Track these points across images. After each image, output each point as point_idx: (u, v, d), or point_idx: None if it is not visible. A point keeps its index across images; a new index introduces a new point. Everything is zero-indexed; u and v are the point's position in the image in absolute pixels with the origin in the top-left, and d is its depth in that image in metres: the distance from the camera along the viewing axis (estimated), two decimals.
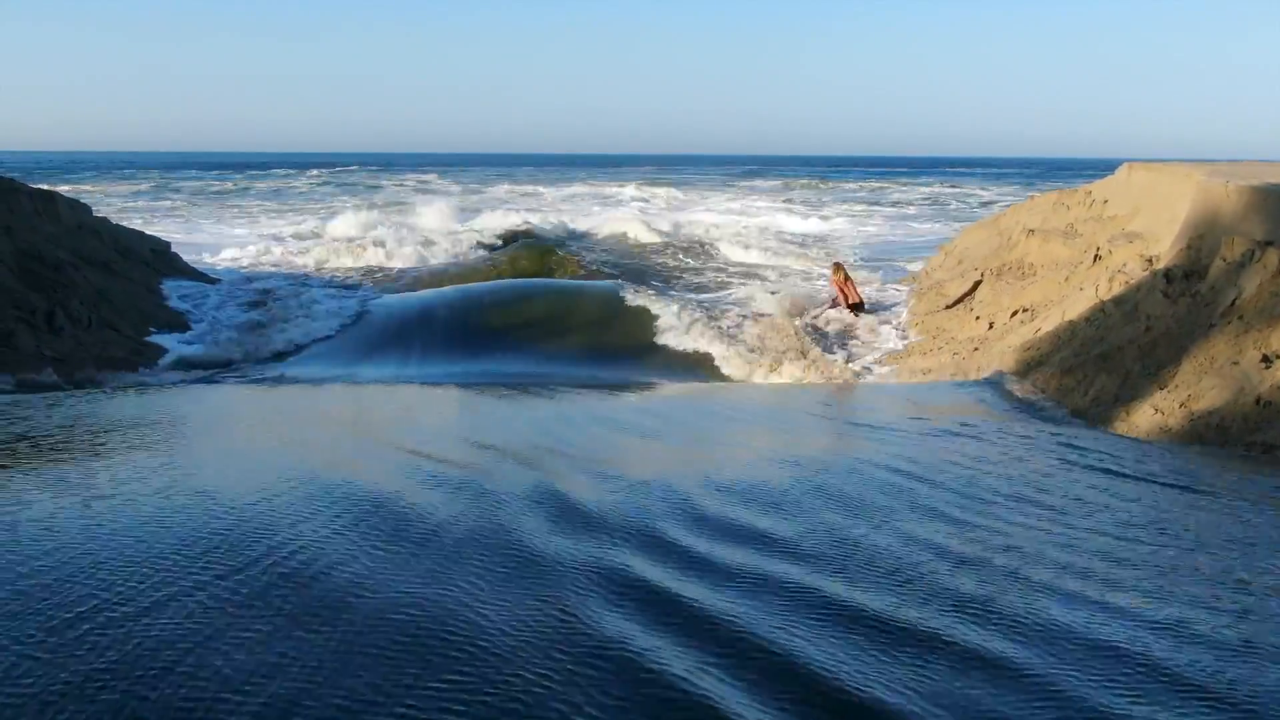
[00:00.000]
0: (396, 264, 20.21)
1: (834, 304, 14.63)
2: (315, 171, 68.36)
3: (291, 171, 70.50)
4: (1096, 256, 11.33)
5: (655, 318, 13.38)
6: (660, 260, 21.43)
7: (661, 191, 46.43)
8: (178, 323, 13.91)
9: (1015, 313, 11.21)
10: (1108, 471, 5.09)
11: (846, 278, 14.73)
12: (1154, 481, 4.97)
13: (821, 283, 16.85)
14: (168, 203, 37.99)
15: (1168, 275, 8.67)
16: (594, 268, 19.19)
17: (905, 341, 12.71)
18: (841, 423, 7.62)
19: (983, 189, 55.95)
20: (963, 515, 3.94)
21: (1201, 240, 9.02)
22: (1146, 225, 11.14)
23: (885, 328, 13.63)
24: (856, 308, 14.47)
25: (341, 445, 5.54)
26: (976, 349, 10.59)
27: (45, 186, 15.66)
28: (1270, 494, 4.86)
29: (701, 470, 4.67)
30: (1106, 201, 13.49)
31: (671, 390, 9.81)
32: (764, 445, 5.95)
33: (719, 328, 12.93)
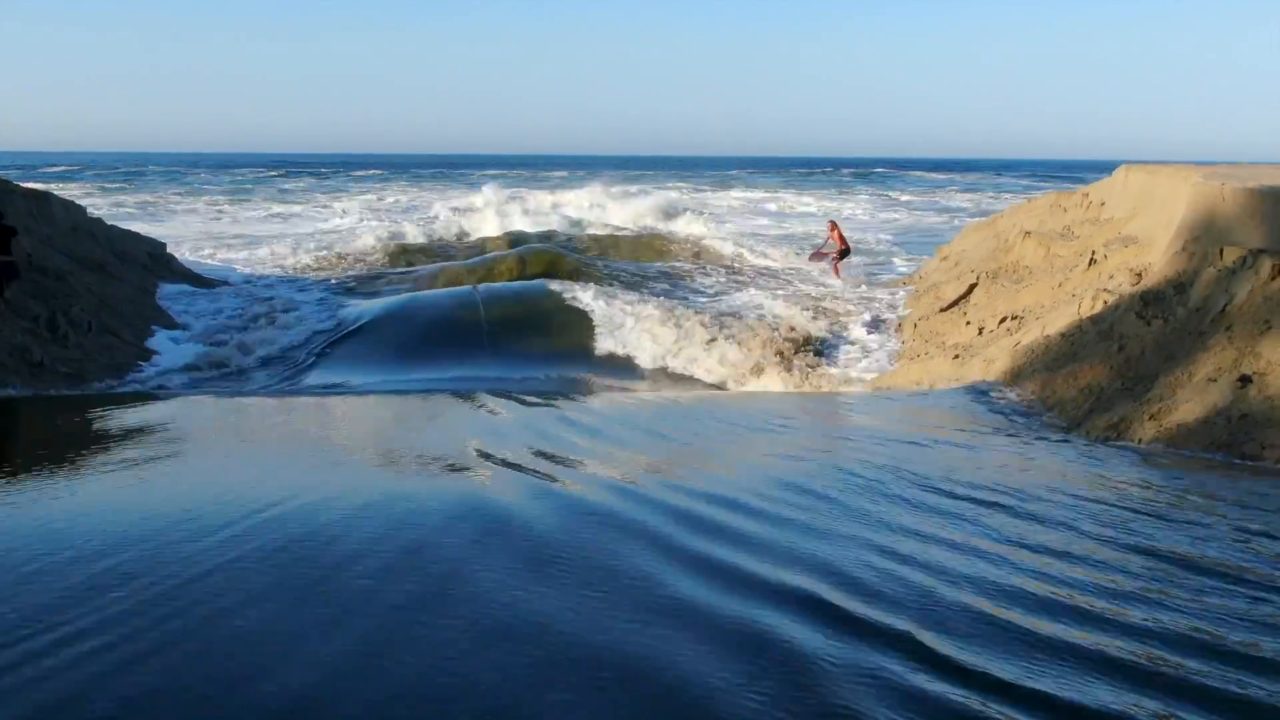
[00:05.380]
0: (399, 266, 20.28)
1: (821, 253, 18.64)
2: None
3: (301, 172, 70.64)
4: (1091, 260, 11.24)
5: (637, 321, 13.35)
6: (662, 263, 21.35)
7: (675, 194, 46.02)
8: (174, 328, 13.91)
9: (1003, 320, 11.14)
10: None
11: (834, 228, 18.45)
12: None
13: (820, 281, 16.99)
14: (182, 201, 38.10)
15: (1144, 298, 8.60)
16: (595, 272, 19.10)
17: (899, 345, 12.65)
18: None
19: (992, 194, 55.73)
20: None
21: (1197, 243, 8.94)
22: (1143, 228, 11.05)
23: (879, 331, 13.56)
24: (844, 254, 17.96)
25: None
26: (957, 356, 10.53)
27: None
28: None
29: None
30: (1103, 204, 13.39)
31: (651, 398, 9.79)
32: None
33: (704, 334, 12.81)
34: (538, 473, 4.94)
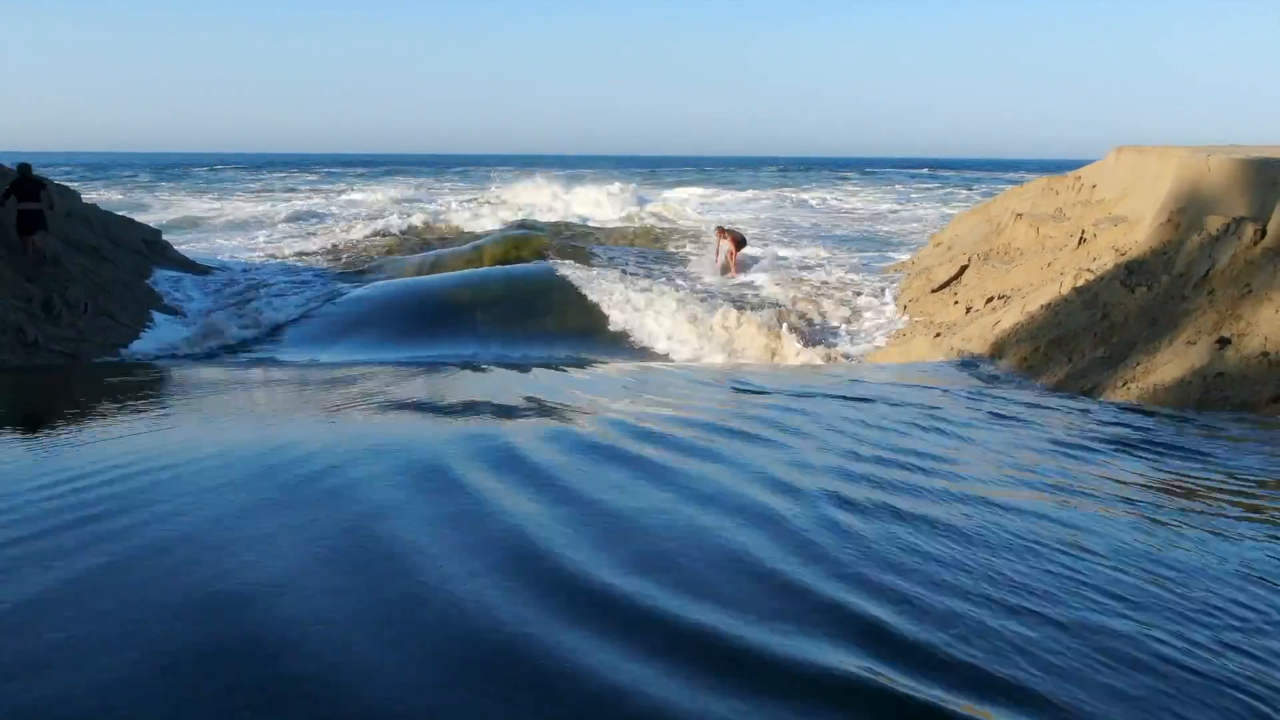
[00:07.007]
0: (394, 255, 20.34)
1: (725, 265, 17.57)
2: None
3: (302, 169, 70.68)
4: (1081, 240, 11.27)
5: (614, 300, 13.44)
6: (657, 248, 21.37)
7: (692, 192, 45.49)
8: (170, 311, 13.95)
9: (990, 299, 11.18)
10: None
11: (723, 235, 18.06)
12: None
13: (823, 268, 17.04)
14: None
15: (1129, 267, 8.64)
16: (586, 257, 19.12)
17: (890, 326, 12.69)
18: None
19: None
20: None
21: (1182, 214, 8.98)
22: (1133, 208, 11.07)
23: (870, 313, 13.60)
24: (741, 244, 17.90)
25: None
26: (938, 334, 10.56)
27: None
28: None
29: None
30: (1095, 186, 13.42)
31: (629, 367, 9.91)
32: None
33: (692, 311, 12.88)
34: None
